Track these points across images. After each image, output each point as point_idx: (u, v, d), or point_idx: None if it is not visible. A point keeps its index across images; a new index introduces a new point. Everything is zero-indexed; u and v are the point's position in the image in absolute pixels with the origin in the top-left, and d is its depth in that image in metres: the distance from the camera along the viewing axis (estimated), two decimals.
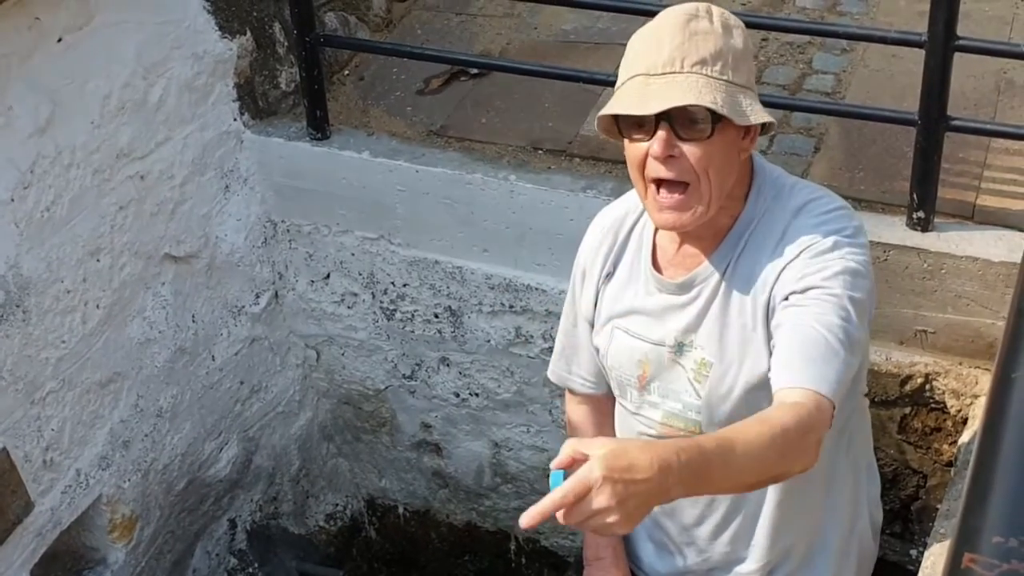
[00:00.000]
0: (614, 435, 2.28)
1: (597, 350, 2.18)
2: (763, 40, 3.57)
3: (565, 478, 1.49)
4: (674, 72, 1.82)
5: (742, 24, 1.92)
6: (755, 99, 1.89)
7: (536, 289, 3.26)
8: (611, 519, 1.46)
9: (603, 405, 2.30)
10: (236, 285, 3.39)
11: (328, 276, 3.52)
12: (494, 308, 3.36)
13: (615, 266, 2.13)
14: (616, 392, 2.19)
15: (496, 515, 3.87)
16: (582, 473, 1.46)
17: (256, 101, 3.34)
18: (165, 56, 2.99)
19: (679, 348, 2.03)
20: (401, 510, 4.02)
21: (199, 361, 3.28)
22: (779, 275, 1.91)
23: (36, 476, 2.74)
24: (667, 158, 1.84)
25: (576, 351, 2.26)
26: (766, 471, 1.67)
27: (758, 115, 1.86)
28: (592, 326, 2.19)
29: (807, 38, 3.57)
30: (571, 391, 2.34)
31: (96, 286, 2.86)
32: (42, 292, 2.70)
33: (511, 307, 3.34)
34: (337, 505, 4.01)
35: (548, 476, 1.53)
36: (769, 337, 1.92)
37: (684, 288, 2.01)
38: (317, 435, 3.88)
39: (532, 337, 3.36)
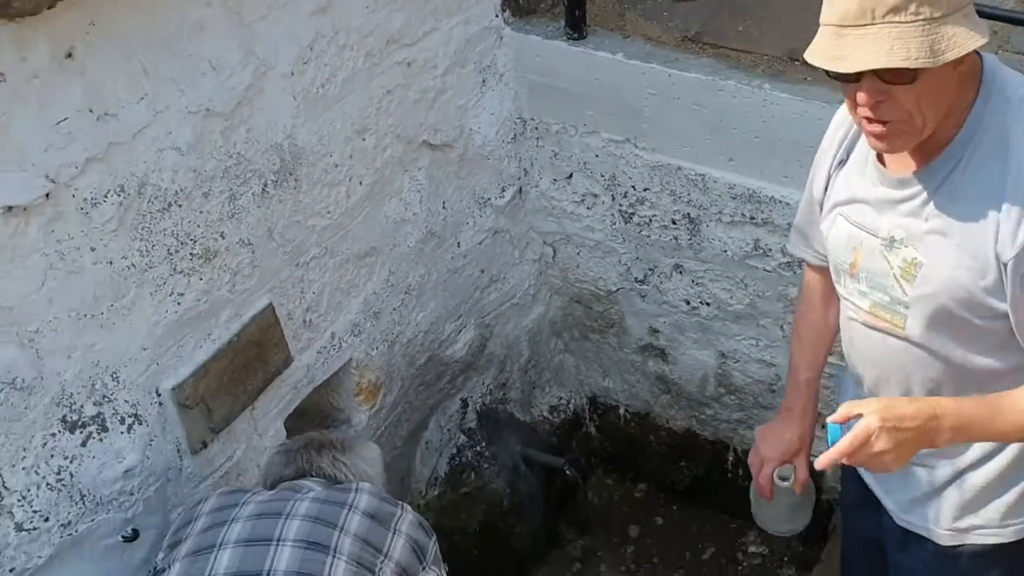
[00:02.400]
0: (839, 304, 2.31)
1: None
2: None
3: (841, 432, 1.86)
4: (866, 24, 1.77)
5: None
6: (965, 20, 1.79)
7: (780, 202, 3.25)
8: (888, 458, 1.84)
9: None
10: (484, 177, 3.51)
11: (571, 176, 3.60)
12: (734, 218, 3.37)
13: (848, 154, 2.17)
14: (832, 276, 2.25)
15: (716, 424, 3.92)
16: (862, 425, 1.83)
17: None
18: None
19: (890, 243, 2.05)
20: (622, 411, 4.11)
21: (446, 246, 3.43)
22: (1015, 222, 1.88)
23: (296, 334, 2.94)
24: (876, 103, 1.84)
25: (811, 226, 2.34)
26: None
27: (961, 46, 1.77)
28: (821, 209, 2.24)
29: None
30: (807, 263, 2.44)
31: (361, 163, 3.02)
32: (313, 164, 2.87)
33: (752, 218, 3.33)
34: (561, 399, 4.14)
35: (824, 427, 1.93)
36: (973, 255, 1.93)
37: (902, 185, 2.02)
38: (547, 330, 4.00)
39: (771, 250, 3.36)
